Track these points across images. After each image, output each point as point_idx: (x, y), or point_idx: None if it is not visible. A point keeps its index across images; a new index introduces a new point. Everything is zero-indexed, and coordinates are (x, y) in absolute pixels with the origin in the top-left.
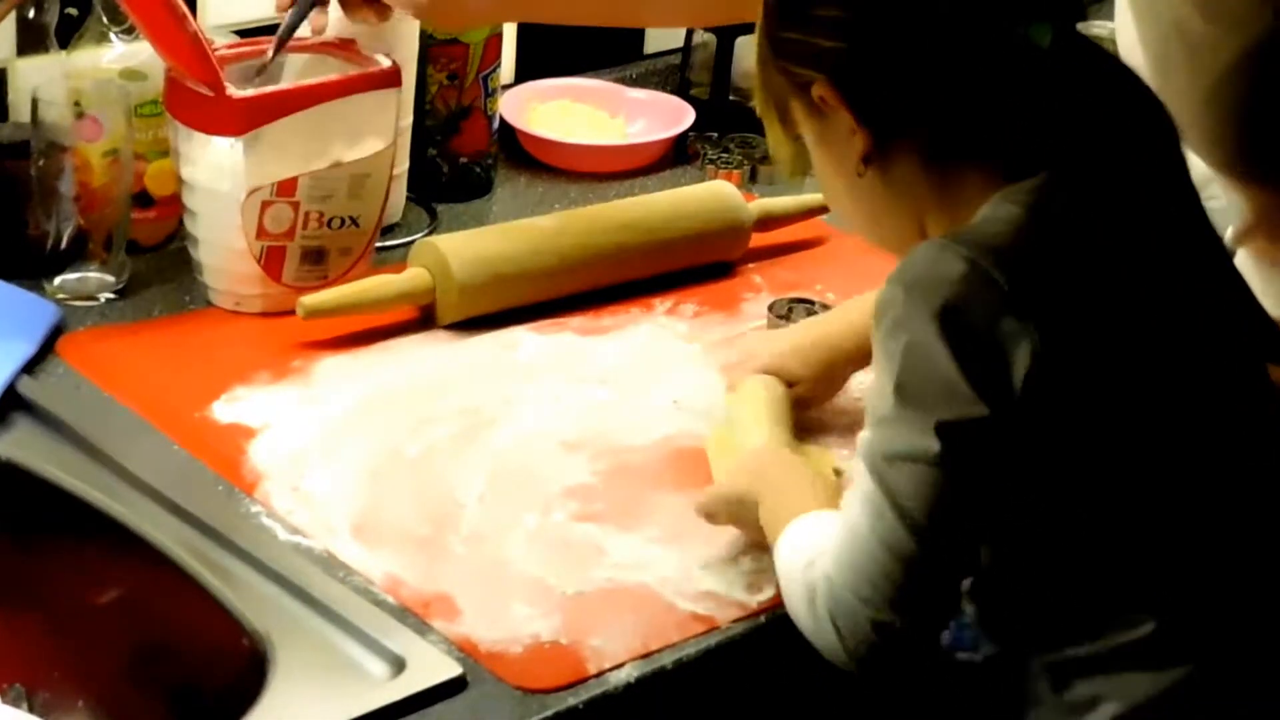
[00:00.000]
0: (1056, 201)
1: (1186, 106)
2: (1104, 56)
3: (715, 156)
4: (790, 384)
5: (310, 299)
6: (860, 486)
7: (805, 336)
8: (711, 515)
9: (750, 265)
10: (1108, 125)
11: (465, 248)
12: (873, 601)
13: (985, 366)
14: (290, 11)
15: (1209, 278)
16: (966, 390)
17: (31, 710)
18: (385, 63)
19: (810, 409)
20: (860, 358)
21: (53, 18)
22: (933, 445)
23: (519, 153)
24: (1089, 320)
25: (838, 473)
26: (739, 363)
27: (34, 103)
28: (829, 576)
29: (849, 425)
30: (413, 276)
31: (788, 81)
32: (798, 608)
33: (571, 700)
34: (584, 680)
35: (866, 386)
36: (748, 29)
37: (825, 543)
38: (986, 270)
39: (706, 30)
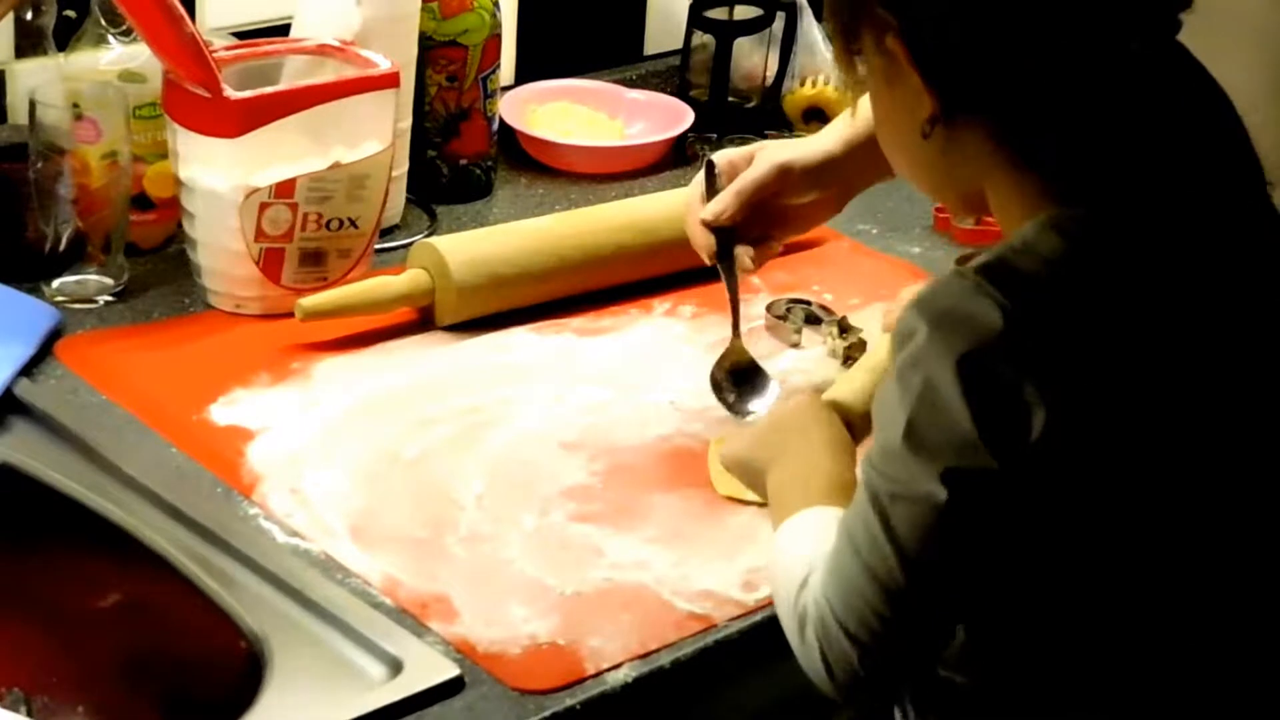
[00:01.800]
0: (1105, 247)
1: (1247, 96)
2: (1204, 80)
3: None
4: None
5: (309, 301)
6: (860, 515)
7: None
8: (729, 469)
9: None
10: (1186, 162)
11: (463, 249)
12: (859, 638)
13: (1000, 421)
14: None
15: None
16: (978, 442)
17: (30, 715)
18: (384, 64)
19: None
20: None
21: (50, 20)
22: (938, 492)
23: (519, 154)
24: (1116, 390)
25: None
26: (888, 310)
27: (32, 105)
28: (819, 604)
29: None
30: (411, 278)
31: (867, 14)
32: (787, 625)
33: (569, 701)
34: (581, 681)
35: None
36: (746, 29)
37: (819, 560)
38: (1019, 323)
39: (705, 32)
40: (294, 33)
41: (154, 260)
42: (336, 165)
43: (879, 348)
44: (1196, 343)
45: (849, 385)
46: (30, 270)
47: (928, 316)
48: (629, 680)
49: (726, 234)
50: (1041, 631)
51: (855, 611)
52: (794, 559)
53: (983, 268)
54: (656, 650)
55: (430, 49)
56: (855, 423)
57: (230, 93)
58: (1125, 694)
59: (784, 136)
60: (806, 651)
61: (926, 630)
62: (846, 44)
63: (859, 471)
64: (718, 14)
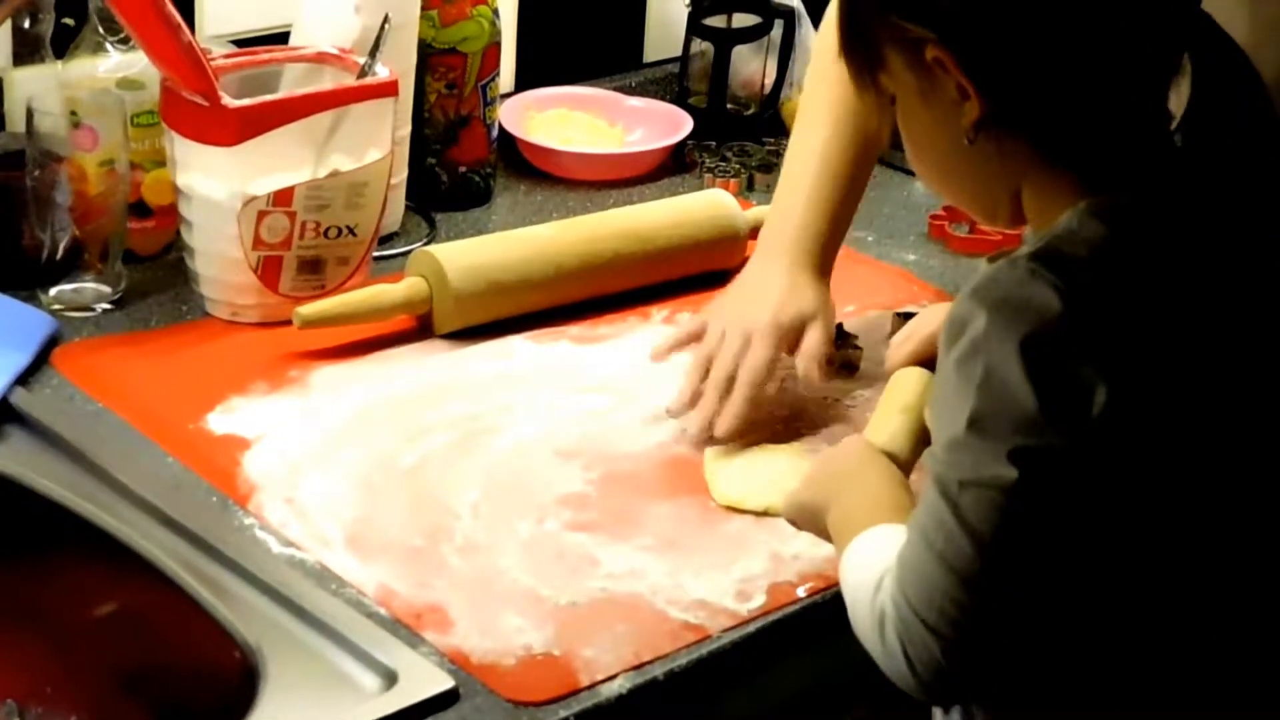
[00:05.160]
0: (1146, 229)
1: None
2: (1228, 49)
3: (713, 165)
4: None
5: (306, 309)
6: (930, 508)
7: None
8: (793, 522)
9: None
10: (1213, 139)
11: (461, 257)
12: (939, 629)
13: (1063, 399)
14: None
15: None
16: (1043, 421)
17: None
18: (383, 72)
19: None
20: None
21: (48, 27)
22: (1007, 473)
23: (518, 161)
24: (1169, 364)
25: None
26: (897, 344)
27: (29, 113)
28: (897, 602)
29: None
30: (409, 286)
31: (892, 32)
32: (867, 633)
33: (563, 713)
34: (576, 692)
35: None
36: (744, 37)
37: (892, 563)
38: (1076, 304)
39: (704, 40)
40: (293, 40)
41: (151, 268)
42: (335, 173)
43: (900, 387)
44: (1236, 314)
45: (886, 430)
46: (27, 278)
47: (986, 304)
48: (623, 691)
49: None
50: (1101, 615)
51: (934, 604)
52: (866, 568)
53: (1034, 255)
54: (651, 661)
55: (429, 56)
56: (901, 466)
57: (228, 101)
58: (1181, 670)
59: (782, 144)
60: (888, 654)
61: (1006, 617)
62: (871, 70)
63: (927, 469)
64: (716, 22)
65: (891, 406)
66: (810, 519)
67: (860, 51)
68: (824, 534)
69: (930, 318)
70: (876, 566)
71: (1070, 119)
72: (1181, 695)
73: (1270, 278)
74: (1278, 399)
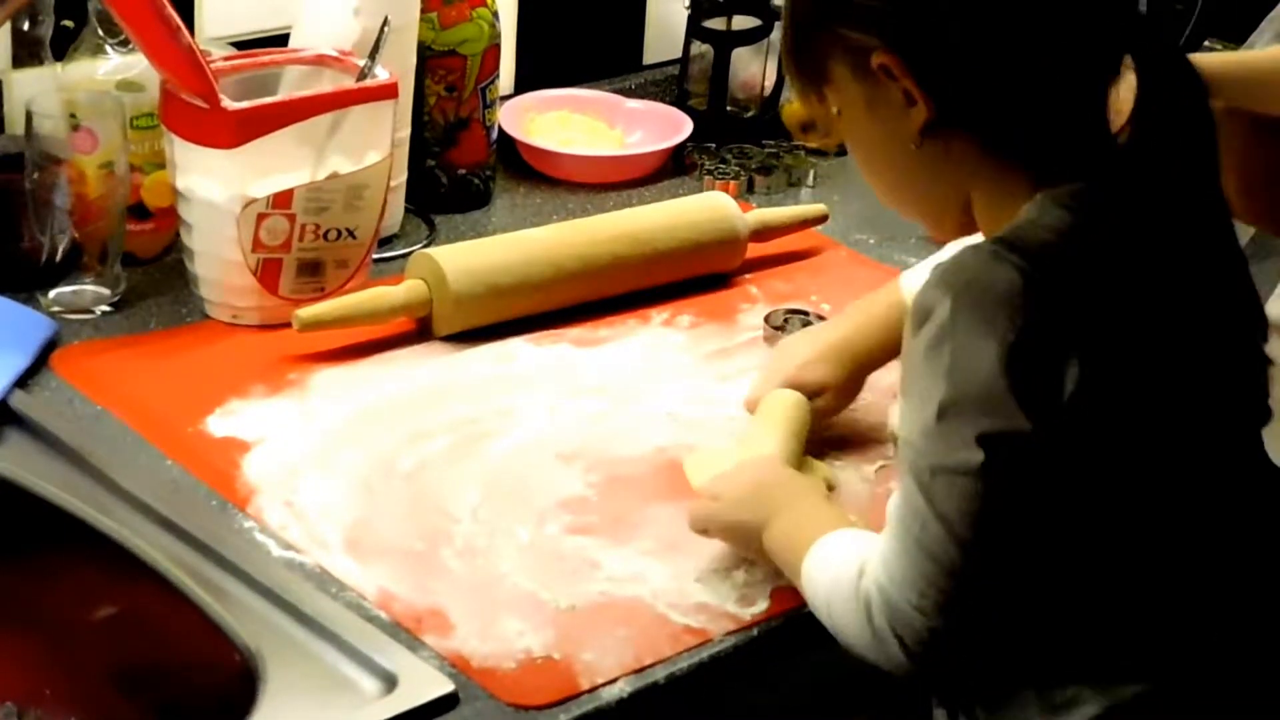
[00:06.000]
0: (1106, 213)
1: None
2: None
3: (712, 167)
4: (816, 394)
5: (306, 311)
6: (906, 496)
7: (821, 344)
8: (706, 532)
9: (746, 276)
10: (1160, 135)
11: (461, 259)
12: (925, 609)
13: (1032, 381)
14: None
15: (1230, 294)
16: (1011, 403)
17: None
18: (382, 75)
19: (829, 417)
20: (874, 360)
21: (48, 30)
22: (975, 457)
23: (518, 163)
24: (1134, 342)
25: (830, 486)
26: (761, 380)
27: (28, 115)
28: (881, 586)
29: (866, 433)
30: (409, 288)
31: (836, 44)
32: (849, 622)
33: (563, 716)
34: (576, 696)
35: (883, 388)
36: (744, 39)
37: (871, 553)
38: (1040, 286)
39: (703, 42)
40: (292, 43)
41: (151, 270)
42: (334, 175)
43: (779, 408)
44: (1190, 295)
45: (780, 448)
46: (26, 280)
47: (951, 291)
48: (624, 695)
49: None
50: (1077, 596)
51: (915, 585)
52: (840, 564)
53: (997, 239)
54: (652, 665)
55: (429, 59)
56: None
57: (227, 103)
58: (1154, 651)
59: (781, 146)
60: (877, 639)
61: (984, 600)
62: (815, 84)
63: (900, 458)
64: (716, 24)
65: (774, 429)
66: (741, 537)
67: (806, 68)
68: (753, 549)
69: (788, 348)
70: (852, 560)
71: (1017, 115)
72: (1161, 679)
73: (1213, 260)
74: (1232, 378)
